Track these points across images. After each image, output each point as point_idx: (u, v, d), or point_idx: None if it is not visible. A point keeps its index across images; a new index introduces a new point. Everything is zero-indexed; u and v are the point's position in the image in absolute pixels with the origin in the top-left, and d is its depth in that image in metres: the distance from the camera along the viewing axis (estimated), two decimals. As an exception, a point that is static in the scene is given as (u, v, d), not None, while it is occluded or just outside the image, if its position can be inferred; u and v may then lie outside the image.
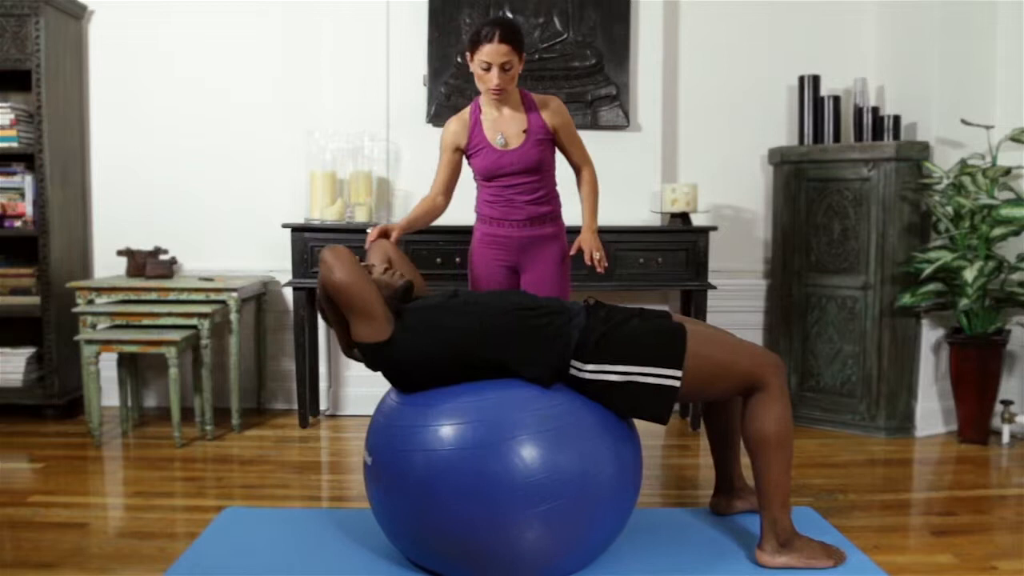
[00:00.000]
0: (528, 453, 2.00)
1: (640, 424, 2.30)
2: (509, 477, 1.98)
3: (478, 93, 2.86)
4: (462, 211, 3.66)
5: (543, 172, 2.88)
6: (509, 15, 3.86)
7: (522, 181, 2.84)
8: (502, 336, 2.17)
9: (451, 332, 2.17)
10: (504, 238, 2.89)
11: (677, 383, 2.15)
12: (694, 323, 2.35)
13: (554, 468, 2.01)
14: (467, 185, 3.53)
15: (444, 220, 3.81)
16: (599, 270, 2.86)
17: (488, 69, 2.70)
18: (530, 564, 2.08)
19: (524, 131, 2.82)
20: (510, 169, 2.82)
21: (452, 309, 2.23)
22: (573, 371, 2.17)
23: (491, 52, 2.68)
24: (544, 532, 2.03)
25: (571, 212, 3.03)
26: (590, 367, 2.15)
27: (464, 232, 3.53)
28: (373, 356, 2.22)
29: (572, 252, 2.92)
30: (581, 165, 2.98)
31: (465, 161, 2.96)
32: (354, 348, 2.29)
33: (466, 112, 2.90)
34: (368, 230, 2.83)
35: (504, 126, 2.83)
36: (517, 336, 2.17)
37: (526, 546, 2.03)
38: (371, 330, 2.16)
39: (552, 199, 2.94)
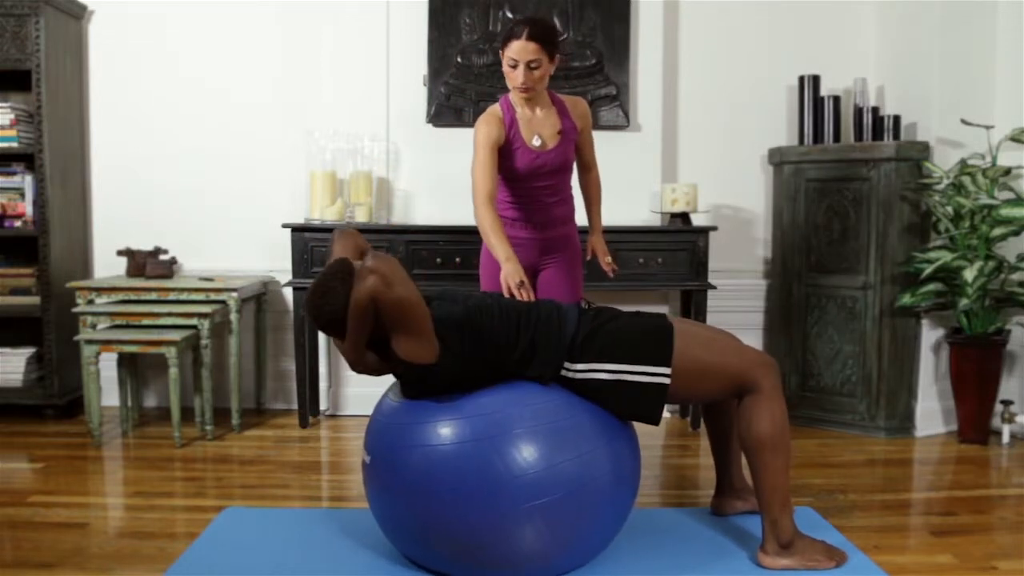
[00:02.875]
0: (525, 447, 2.01)
1: (638, 424, 2.30)
2: (506, 471, 1.99)
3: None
4: (463, 210, 3.67)
5: (568, 173, 2.90)
6: (509, 15, 3.86)
7: (551, 182, 2.83)
8: (511, 340, 2.16)
9: (486, 341, 2.13)
10: (524, 240, 2.86)
11: (666, 380, 2.15)
12: (687, 323, 2.35)
13: (551, 463, 2.02)
14: (469, 183, 3.53)
15: (444, 220, 3.83)
16: (612, 274, 2.94)
17: (515, 66, 2.66)
18: (528, 561, 2.08)
19: (559, 132, 2.80)
20: (545, 169, 2.80)
21: (474, 317, 2.16)
22: (564, 371, 2.17)
23: (518, 49, 2.63)
24: (542, 527, 2.03)
25: (577, 214, 3.03)
26: (579, 366, 2.16)
27: (465, 232, 3.54)
28: (415, 372, 2.11)
29: (587, 257, 2.95)
30: (592, 165, 3.01)
31: None
32: (364, 362, 2.15)
33: (498, 110, 2.79)
34: (512, 285, 2.45)
35: (539, 127, 2.80)
36: (520, 338, 2.17)
37: (524, 542, 2.04)
38: (423, 350, 2.03)
39: (570, 199, 2.95)
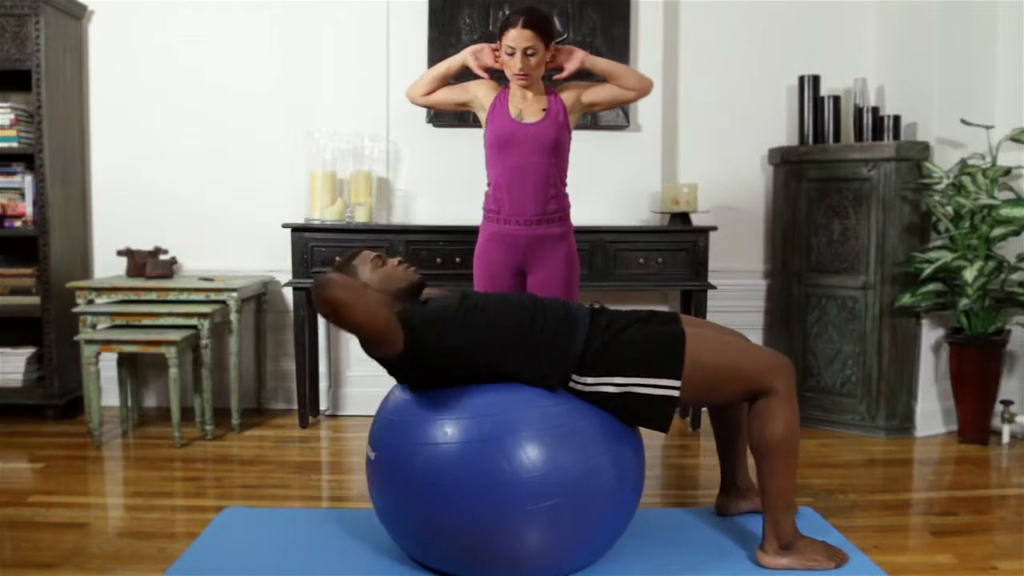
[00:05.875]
0: (531, 449, 2.01)
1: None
2: (512, 472, 1.99)
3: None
4: (463, 210, 3.67)
5: (557, 158, 2.89)
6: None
7: (535, 160, 2.84)
8: (512, 342, 2.14)
9: (466, 337, 2.13)
10: (512, 237, 2.88)
11: (676, 392, 2.13)
12: (700, 325, 2.33)
13: (556, 466, 2.01)
14: (469, 183, 3.54)
15: (445, 220, 3.83)
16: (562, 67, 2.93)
17: (512, 54, 2.79)
18: (531, 562, 2.08)
19: (543, 110, 2.88)
20: (524, 141, 2.83)
21: (467, 313, 2.17)
22: (573, 383, 2.15)
23: (515, 37, 2.77)
24: (545, 529, 2.03)
25: (576, 214, 3.04)
26: (588, 380, 2.13)
27: (464, 232, 3.54)
28: (390, 367, 2.20)
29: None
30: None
31: (481, 142, 2.97)
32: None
33: (498, 84, 2.98)
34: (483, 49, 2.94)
35: (525, 105, 2.89)
36: (524, 344, 2.14)
37: (527, 543, 2.04)
38: (382, 347, 2.11)
39: (562, 197, 2.94)
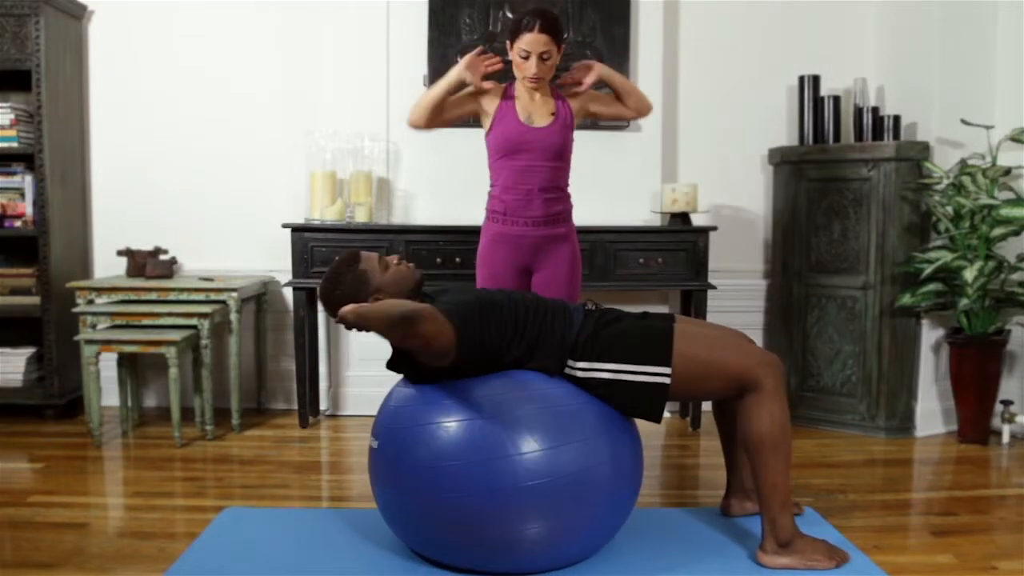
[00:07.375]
0: (529, 428, 2.07)
1: (640, 424, 2.30)
2: (511, 448, 2.04)
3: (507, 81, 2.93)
4: (463, 210, 3.67)
5: (563, 161, 2.92)
6: (509, 15, 3.85)
7: (542, 164, 2.85)
8: (517, 333, 2.21)
9: (492, 332, 2.17)
10: (516, 237, 2.88)
11: (667, 380, 2.18)
12: (690, 322, 2.37)
13: (553, 444, 2.06)
14: (469, 183, 3.54)
15: (445, 220, 3.83)
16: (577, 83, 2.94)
17: (527, 57, 2.79)
18: (529, 548, 2.10)
19: (552, 114, 2.89)
20: (533, 146, 2.84)
21: (483, 309, 2.20)
22: (568, 369, 2.22)
23: (531, 41, 2.76)
24: (541, 510, 2.06)
25: (577, 214, 3.04)
26: (581, 364, 2.20)
27: (464, 232, 3.54)
28: (414, 366, 2.19)
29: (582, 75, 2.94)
30: (624, 100, 3.01)
31: (483, 144, 2.97)
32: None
33: (501, 86, 2.94)
34: (474, 56, 2.87)
35: (534, 109, 2.89)
36: (525, 333, 2.21)
37: (524, 525, 2.06)
38: (447, 356, 2.10)
39: (566, 198, 2.96)
